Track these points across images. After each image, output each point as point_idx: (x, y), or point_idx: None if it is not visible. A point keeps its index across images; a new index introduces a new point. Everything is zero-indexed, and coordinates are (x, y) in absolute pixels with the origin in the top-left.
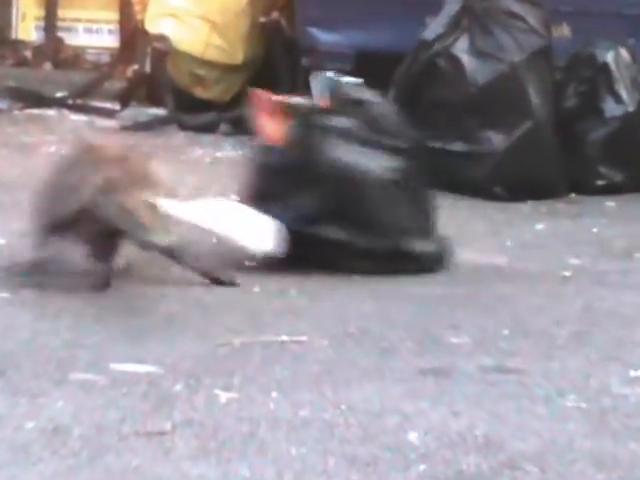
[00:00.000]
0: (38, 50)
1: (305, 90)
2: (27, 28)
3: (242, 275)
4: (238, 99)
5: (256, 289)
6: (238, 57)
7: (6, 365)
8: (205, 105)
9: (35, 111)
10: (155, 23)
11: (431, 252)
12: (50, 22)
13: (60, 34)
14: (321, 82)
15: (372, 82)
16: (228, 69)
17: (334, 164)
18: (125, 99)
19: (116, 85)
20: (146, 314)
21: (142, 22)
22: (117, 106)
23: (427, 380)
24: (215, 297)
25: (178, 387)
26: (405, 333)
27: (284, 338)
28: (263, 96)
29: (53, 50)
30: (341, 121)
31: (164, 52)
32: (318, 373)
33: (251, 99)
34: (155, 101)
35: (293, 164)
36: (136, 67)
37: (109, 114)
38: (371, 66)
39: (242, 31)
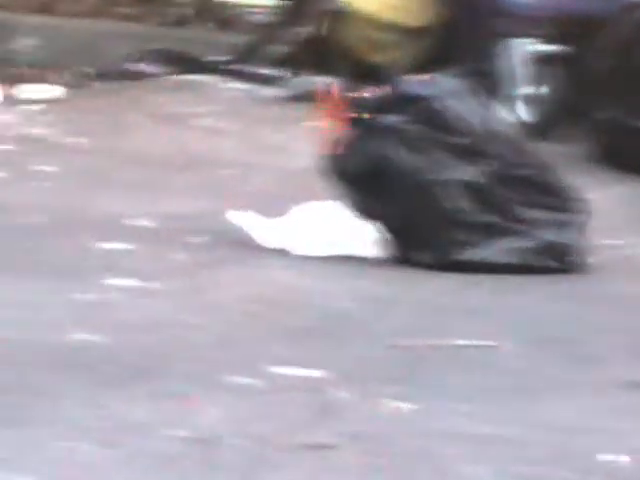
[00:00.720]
0: (195, 8)
1: (489, 57)
2: None
3: (414, 269)
4: (420, 67)
5: (434, 285)
6: (417, 19)
7: (151, 365)
8: (380, 73)
9: (189, 77)
10: None
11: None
12: None
13: None
14: (515, 49)
15: (570, 48)
16: (408, 32)
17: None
18: (292, 65)
19: (281, 49)
20: (309, 310)
21: None
22: (282, 73)
23: (633, 395)
24: (389, 293)
25: (344, 394)
26: (611, 339)
27: (465, 342)
28: (328, 93)
29: (212, 9)
30: (399, 120)
31: (337, 13)
32: (504, 382)
33: (318, 96)
34: (326, 68)
35: (358, 173)
36: (305, 29)
37: (272, 82)
38: (569, 31)
39: None
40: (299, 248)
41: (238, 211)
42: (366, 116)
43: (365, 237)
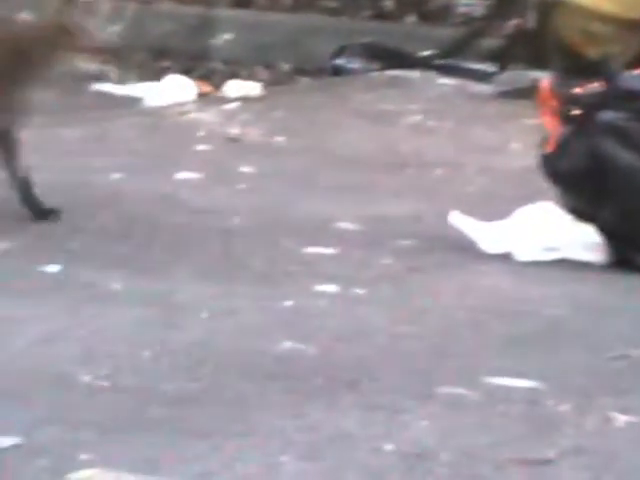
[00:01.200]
0: (400, 0)
1: None
2: None
3: (635, 275)
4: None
5: None
6: (638, 10)
7: (360, 375)
8: (596, 68)
9: (395, 73)
10: None
11: None
12: None
13: None
14: None
15: None
16: (627, 25)
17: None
18: (504, 59)
19: (492, 43)
20: (525, 318)
21: None
22: (494, 68)
23: None
24: (608, 299)
25: (565, 407)
26: None
27: None
28: (547, 88)
29: (418, 0)
30: (619, 116)
31: (551, 4)
32: None
33: (535, 92)
34: (539, 62)
35: (573, 173)
36: (517, 22)
37: (484, 77)
38: None
39: None
40: (520, 253)
41: (460, 213)
42: (582, 113)
43: (585, 240)
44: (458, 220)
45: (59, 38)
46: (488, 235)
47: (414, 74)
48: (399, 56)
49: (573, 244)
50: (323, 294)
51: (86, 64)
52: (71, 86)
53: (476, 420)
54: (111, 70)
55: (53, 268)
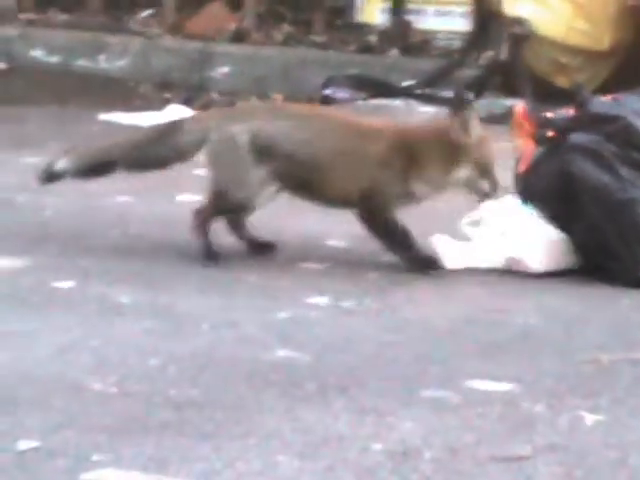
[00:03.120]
0: (384, 34)
1: None
2: (372, 11)
3: (605, 288)
4: (604, 89)
5: (625, 301)
6: (604, 42)
7: (350, 382)
8: (565, 95)
9: (379, 102)
10: (512, 5)
11: None
12: (398, 4)
13: (408, 17)
14: None
15: None
16: (593, 55)
17: (592, 191)
18: (479, 89)
19: (468, 73)
20: (501, 326)
21: (498, 4)
22: (470, 96)
23: None
24: (579, 309)
25: (539, 408)
26: None
27: None
28: (522, 112)
29: (400, 34)
30: (590, 139)
31: (522, 37)
32: None
33: (513, 118)
34: (511, 91)
35: (548, 192)
36: (491, 53)
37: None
38: None
39: (609, 13)
40: (484, 263)
41: (439, 235)
42: (555, 135)
43: (553, 248)
44: (438, 241)
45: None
46: (457, 253)
47: (397, 103)
48: (383, 86)
49: (540, 252)
50: (315, 306)
51: None
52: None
53: (457, 421)
54: None
55: (67, 284)
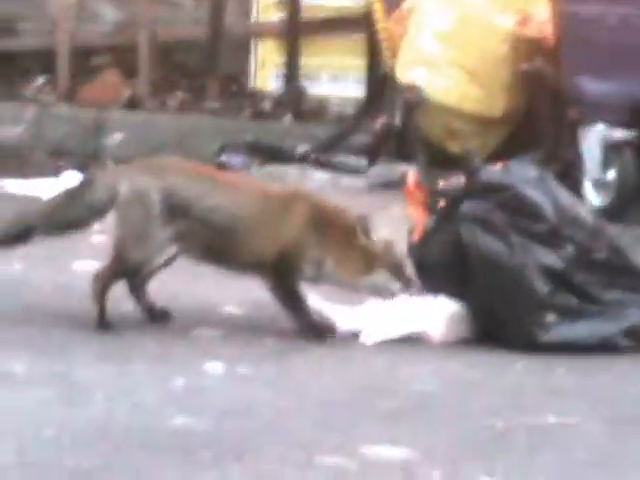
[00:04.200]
0: (278, 101)
1: (571, 146)
2: (265, 77)
3: (501, 352)
4: (497, 155)
5: (519, 366)
6: (497, 109)
7: (246, 448)
8: (458, 161)
9: (275, 168)
10: (406, 71)
11: None
12: (291, 70)
13: (302, 83)
14: (592, 137)
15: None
16: (486, 122)
17: (482, 258)
18: (373, 154)
19: (363, 139)
20: (398, 393)
21: (392, 70)
22: (364, 162)
23: None
24: (475, 374)
25: (435, 474)
26: None
27: (551, 420)
28: (413, 181)
29: (294, 100)
30: (481, 207)
31: (416, 103)
32: (589, 460)
33: (405, 186)
34: (405, 156)
35: (442, 260)
36: (385, 119)
37: (356, 171)
38: None
39: (502, 80)
40: (375, 333)
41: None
42: (446, 204)
43: (445, 315)
44: (319, 305)
45: None
46: (346, 317)
47: (292, 169)
48: (277, 152)
49: (433, 320)
50: (212, 372)
51: None
52: None
53: None
54: None
55: None
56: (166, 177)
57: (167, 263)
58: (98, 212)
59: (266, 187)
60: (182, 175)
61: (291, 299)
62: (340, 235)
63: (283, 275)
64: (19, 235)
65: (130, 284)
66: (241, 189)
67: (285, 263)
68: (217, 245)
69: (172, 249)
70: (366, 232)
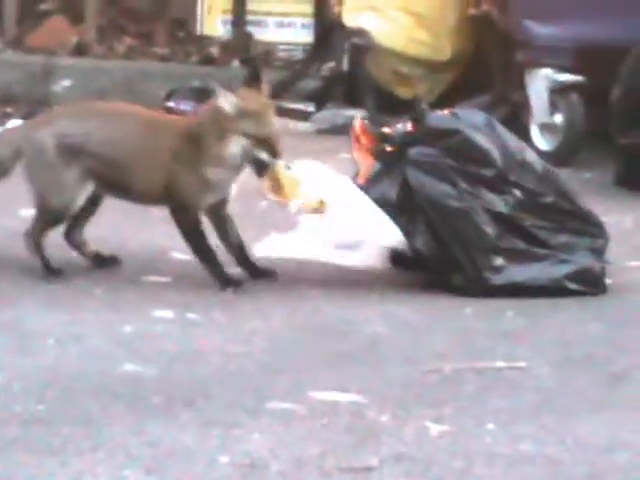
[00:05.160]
0: (225, 46)
1: (520, 89)
2: (213, 22)
3: (449, 297)
4: (445, 99)
5: (468, 310)
6: (445, 53)
7: (196, 394)
8: (407, 106)
9: None
10: (354, 16)
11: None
12: (238, 16)
13: (249, 29)
14: (539, 81)
15: (593, 79)
16: (434, 66)
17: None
18: (321, 100)
19: (311, 84)
20: (347, 336)
21: (339, 15)
22: (312, 107)
23: None
24: (423, 318)
25: (385, 418)
26: (638, 359)
27: (500, 364)
28: (360, 126)
29: (242, 46)
30: (428, 153)
31: (364, 48)
32: (539, 403)
33: (352, 132)
34: (353, 101)
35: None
36: (332, 64)
37: (303, 116)
38: (593, 61)
39: (449, 24)
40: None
41: (263, 242)
42: (394, 149)
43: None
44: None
45: None
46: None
47: None
48: None
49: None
50: (161, 319)
51: None
52: None
53: (304, 432)
54: None
55: None
56: (57, 121)
57: (94, 202)
58: (4, 170)
59: (157, 118)
60: (74, 116)
61: (192, 236)
62: (203, 131)
63: (178, 209)
64: None
65: (68, 238)
66: (131, 122)
67: (174, 196)
68: (113, 177)
69: (87, 186)
70: (223, 100)
